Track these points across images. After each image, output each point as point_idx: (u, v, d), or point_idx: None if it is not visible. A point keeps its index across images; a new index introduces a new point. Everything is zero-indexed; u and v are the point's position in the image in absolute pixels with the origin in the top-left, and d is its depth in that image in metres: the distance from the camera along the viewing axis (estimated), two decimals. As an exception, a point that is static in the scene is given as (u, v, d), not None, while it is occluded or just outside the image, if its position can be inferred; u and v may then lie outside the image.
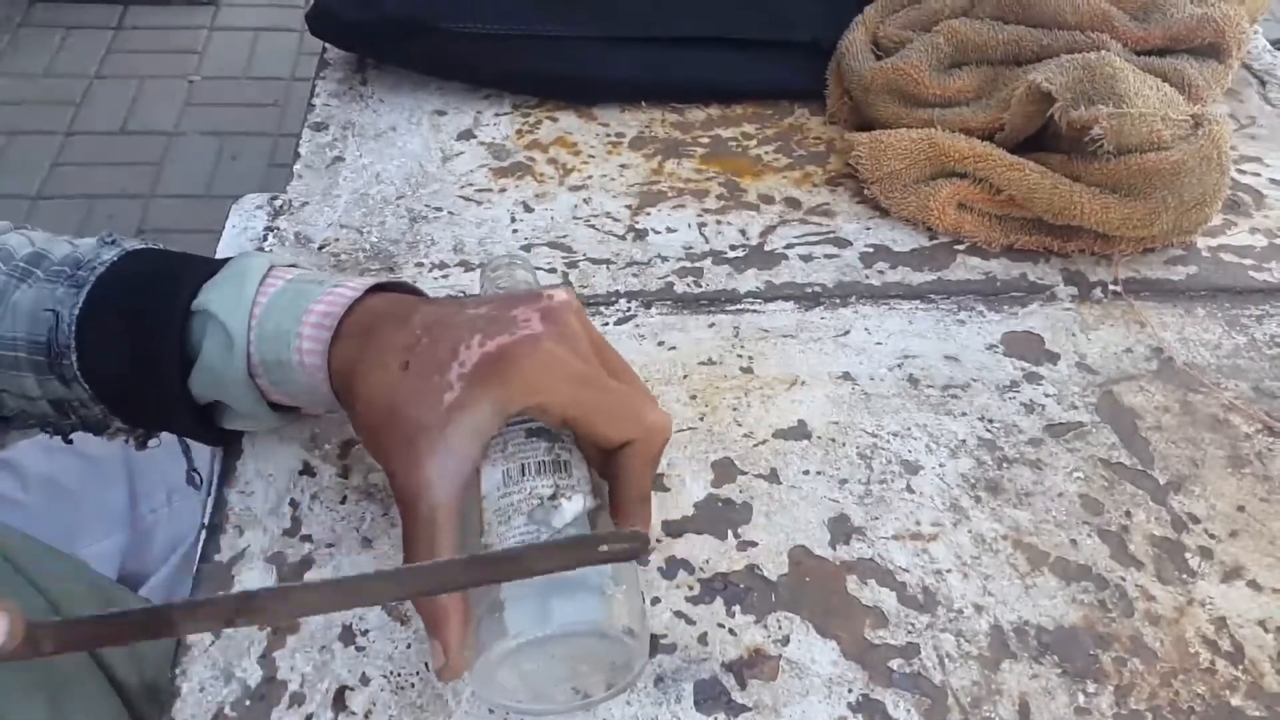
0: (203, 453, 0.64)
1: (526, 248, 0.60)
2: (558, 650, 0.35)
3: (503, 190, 0.64)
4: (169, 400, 0.43)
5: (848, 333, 0.56)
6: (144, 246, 0.46)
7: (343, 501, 0.47)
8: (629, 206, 0.64)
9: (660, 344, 0.55)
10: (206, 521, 0.46)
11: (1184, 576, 0.45)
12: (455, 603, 0.36)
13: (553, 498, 0.36)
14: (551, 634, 0.34)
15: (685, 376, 0.53)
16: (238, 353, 0.42)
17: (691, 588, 0.44)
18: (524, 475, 0.37)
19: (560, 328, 0.38)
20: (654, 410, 0.38)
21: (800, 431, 0.51)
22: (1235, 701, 0.41)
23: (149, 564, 0.68)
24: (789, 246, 0.61)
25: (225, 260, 0.44)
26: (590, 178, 0.66)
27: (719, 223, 0.63)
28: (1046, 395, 0.53)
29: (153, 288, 0.44)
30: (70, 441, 0.50)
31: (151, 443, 0.50)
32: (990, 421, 0.51)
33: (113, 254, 0.45)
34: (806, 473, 0.49)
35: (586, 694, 0.38)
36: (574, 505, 0.36)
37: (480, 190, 0.64)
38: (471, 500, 0.38)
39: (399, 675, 0.41)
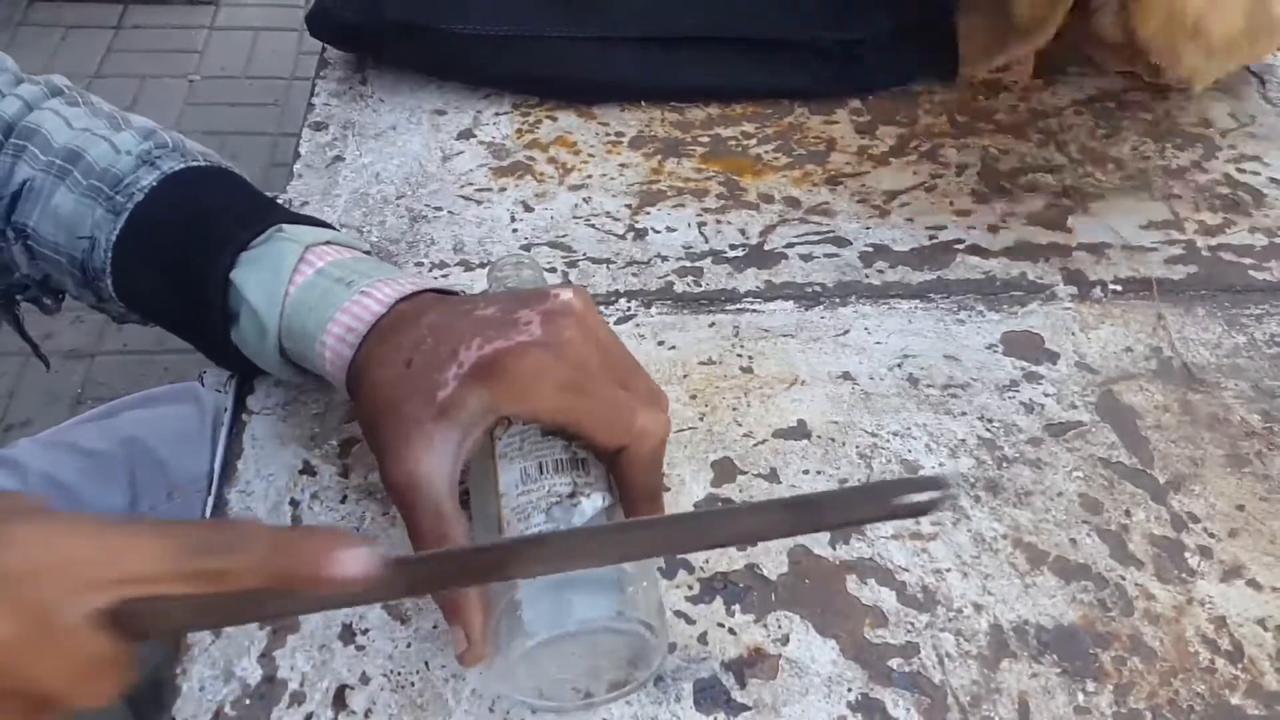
0: (203, 452, 0.64)
1: (526, 247, 0.60)
2: (577, 647, 0.36)
3: (503, 189, 0.64)
4: (211, 346, 0.47)
5: (847, 332, 0.56)
6: (182, 167, 0.47)
7: (343, 501, 0.47)
8: (629, 206, 0.64)
9: (660, 343, 0.55)
10: (207, 521, 0.46)
11: (1183, 575, 0.45)
12: (475, 589, 0.36)
13: (571, 495, 0.37)
14: (571, 631, 0.34)
15: (685, 376, 0.53)
16: (269, 338, 0.44)
17: (691, 587, 0.44)
18: (542, 473, 0.37)
19: (558, 332, 0.38)
20: (646, 415, 0.38)
21: (800, 431, 0.51)
22: (1235, 700, 0.41)
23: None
24: (789, 246, 0.61)
25: (260, 213, 0.46)
26: (590, 177, 0.66)
27: (719, 222, 0.63)
28: (1046, 394, 0.53)
29: (192, 243, 0.45)
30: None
31: None
32: (990, 421, 0.52)
33: (151, 178, 0.46)
34: (806, 472, 0.49)
35: (604, 690, 0.38)
36: (593, 502, 0.37)
37: (480, 190, 0.64)
38: (489, 497, 0.38)
39: (399, 674, 0.41)
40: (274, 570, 0.29)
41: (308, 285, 0.43)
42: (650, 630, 0.35)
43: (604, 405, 0.37)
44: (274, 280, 0.43)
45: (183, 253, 0.45)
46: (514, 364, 0.37)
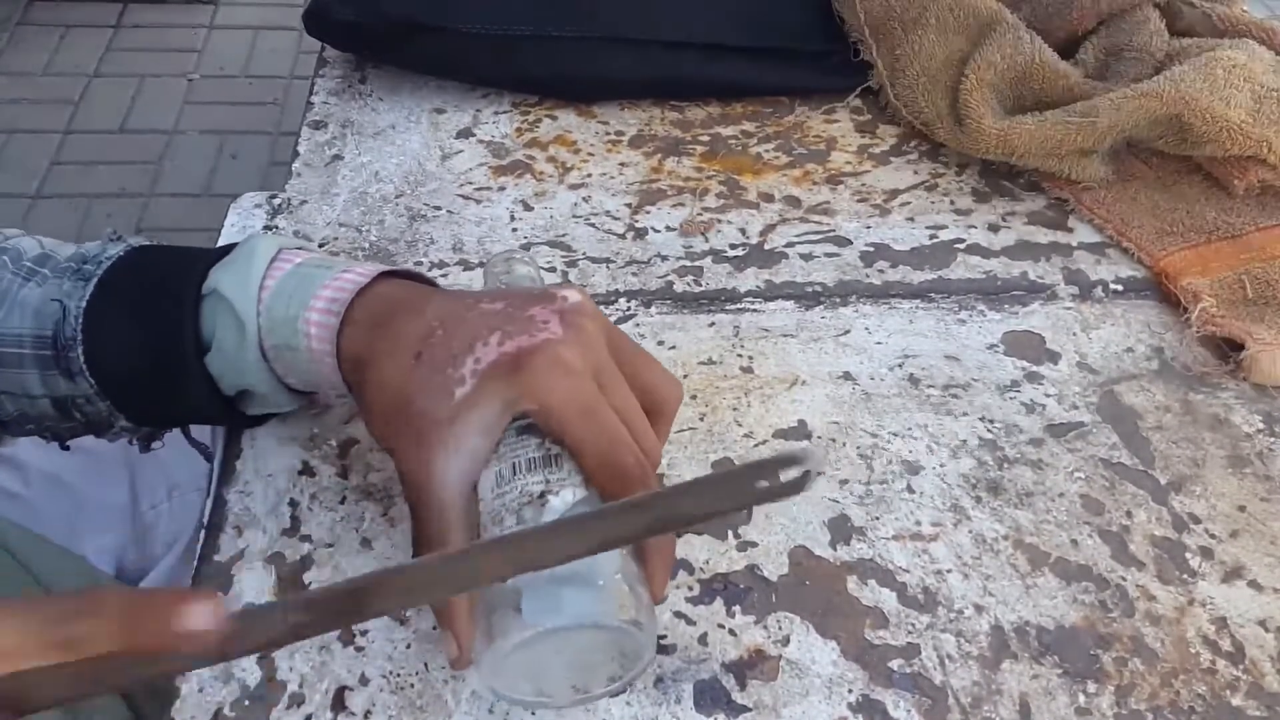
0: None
1: (526, 246, 0.60)
2: (566, 643, 0.35)
3: (502, 188, 0.64)
4: (187, 383, 0.43)
5: (848, 332, 0.56)
6: (151, 243, 0.46)
7: (342, 501, 0.47)
8: (628, 205, 0.63)
9: (660, 343, 0.55)
10: (205, 521, 0.46)
11: (1185, 576, 0.45)
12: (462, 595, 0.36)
13: (541, 495, 0.36)
14: (561, 626, 0.34)
15: (685, 376, 0.53)
16: (249, 336, 0.42)
17: (691, 588, 0.44)
18: (515, 474, 0.37)
19: (578, 333, 0.38)
20: (635, 463, 0.37)
21: (800, 431, 0.50)
22: (1236, 701, 0.41)
23: (148, 560, 0.68)
24: (789, 245, 0.61)
25: (234, 245, 0.44)
26: (590, 176, 0.65)
27: (719, 221, 0.62)
28: (1047, 395, 0.53)
29: (163, 274, 0.44)
30: (67, 447, 0.50)
31: (155, 444, 0.50)
32: (991, 421, 0.51)
33: (119, 249, 0.45)
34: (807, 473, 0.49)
35: (592, 687, 0.38)
36: (562, 500, 0.36)
37: (479, 189, 0.64)
38: (472, 504, 0.38)
39: (398, 675, 0.41)
40: (127, 629, 0.28)
41: (286, 276, 0.42)
42: (639, 629, 0.35)
43: (600, 442, 0.37)
44: (249, 275, 0.42)
45: (152, 287, 0.44)
46: (540, 362, 0.37)
